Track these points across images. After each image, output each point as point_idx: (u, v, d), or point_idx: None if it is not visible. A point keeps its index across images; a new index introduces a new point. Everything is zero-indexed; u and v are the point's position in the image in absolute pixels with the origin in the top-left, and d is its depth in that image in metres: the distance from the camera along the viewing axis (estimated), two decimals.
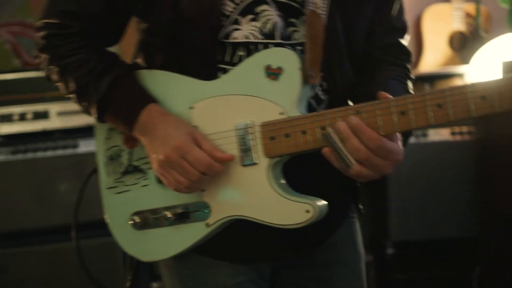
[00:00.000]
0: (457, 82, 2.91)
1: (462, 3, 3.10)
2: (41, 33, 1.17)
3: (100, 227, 1.42)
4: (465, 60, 3.08)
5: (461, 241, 2.69)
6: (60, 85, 1.18)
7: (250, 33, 1.12)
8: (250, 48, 1.12)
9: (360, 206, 1.35)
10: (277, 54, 1.07)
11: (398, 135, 1.04)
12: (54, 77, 1.17)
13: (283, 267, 1.29)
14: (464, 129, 2.74)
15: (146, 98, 1.13)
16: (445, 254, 2.70)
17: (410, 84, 1.27)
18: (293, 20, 1.13)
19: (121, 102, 1.13)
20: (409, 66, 1.29)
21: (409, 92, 1.22)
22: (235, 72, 1.11)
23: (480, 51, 2.89)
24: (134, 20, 1.24)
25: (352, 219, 1.35)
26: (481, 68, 2.81)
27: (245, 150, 1.08)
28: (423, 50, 3.18)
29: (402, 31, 1.29)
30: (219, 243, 1.16)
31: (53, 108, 2.49)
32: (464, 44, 3.14)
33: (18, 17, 2.89)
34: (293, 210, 1.06)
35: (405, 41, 1.30)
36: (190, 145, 1.06)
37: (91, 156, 1.40)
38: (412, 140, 2.71)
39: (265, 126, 1.07)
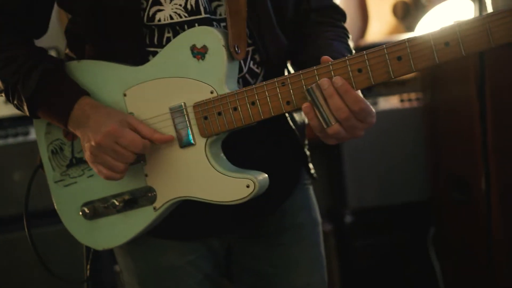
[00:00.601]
0: None
1: None
2: None
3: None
4: (409, 28, 3.15)
5: (415, 204, 2.78)
6: None
7: (174, 12, 1.10)
8: (177, 29, 1.11)
9: (312, 172, 1.37)
10: (200, 33, 1.07)
11: None
12: None
13: (236, 240, 1.31)
14: (413, 96, 2.81)
15: (77, 92, 1.13)
16: (401, 218, 2.78)
17: (351, 44, 1.28)
18: None
19: (52, 99, 1.12)
20: (344, 26, 1.30)
21: (351, 52, 1.23)
22: (163, 55, 1.10)
23: (423, 18, 2.95)
24: None
25: (305, 185, 1.37)
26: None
27: (181, 131, 1.10)
28: (368, 20, 3.22)
29: None
30: (167, 223, 1.18)
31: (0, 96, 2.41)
32: (407, 13, 3.20)
33: None
34: (234, 186, 1.08)
35: (337, 1, 1.32)
36: (123, 129, 1.06)
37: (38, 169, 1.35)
38: None
39: (197, 106, 1.08)
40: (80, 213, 1.20)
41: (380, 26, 3.20)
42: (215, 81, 1.07)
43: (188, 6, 1.09)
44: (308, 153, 1.36)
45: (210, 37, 1.06)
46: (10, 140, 2.37)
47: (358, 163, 2.80)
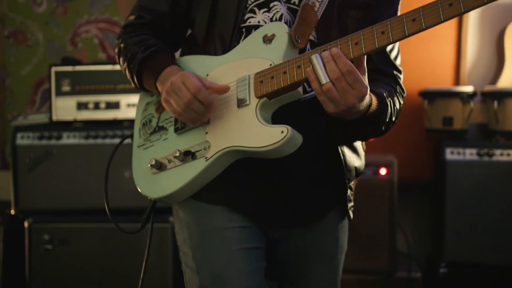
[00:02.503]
0: None
1: None
2: (123, 25, 1.51)
3: None
4: None
5: None
6: (121, 58, 1.47)
7: (262, 19, 1.39)
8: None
9: (350, 211, 1.46)
10: (272, 26, 1.35)
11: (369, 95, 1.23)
12: (120, 54, 1.47)
13: (276, 236, 1.43)
14: None
15: (174, 62, 1.43)
16: (498, 281, 2.57)
17: (397, 100, 1.37)
18: None
19: (156, 62, 1.42)
20: (398, 92, 1.41)
21: (392, 97, 1.37)
22: (241, 45, 1.38)
23: None
24: None
25: (339, 217, 1.46)
26: None
27: (241, 95, 1.32)
28: (504, 66, 3.03)
29: (398, 71, 1.43)
30: (217, 189, 1.36)
31: (124, 99, 2.72)
32: None
33: (106, 15, 3.16)
34: (271, 133, 1.27)
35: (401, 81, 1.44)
36: (190, 76, 1.31)
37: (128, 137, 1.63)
38: (475, 158, 2.65)
39: (257, 74, 1.31)
40: (149, 164, 1.41)
41: None
42: (276, 57, 1.31)
43: (274, 18, 1.38)
44: (350, 192, 1.45)
45: (279, 27, 1.33)
46: (126, 140, 2.65)
47: (461, 214, 2.65)
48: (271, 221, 1.40)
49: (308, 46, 1.36)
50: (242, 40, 1.39)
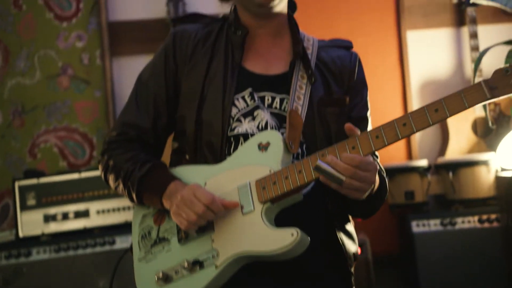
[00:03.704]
0: (482, 170, 2.95)
1: None
2: (105, 141, 1.54)
3: None
4: (491, 147, 3.13)
5: None
6: (112, 176, 1.50)
7: (249, 128, 1.45)
8: (248, 138, 1.45)
9: None
10: (266, 134, 1.42)
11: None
12: (109, 171, 1.50)
13: None
14: (492, 216, 2.77)
15: (173, 177, 1.47)
16: None
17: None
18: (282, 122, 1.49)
19: (156, 180, 1.46)
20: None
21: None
22: (237, 153, 1.44)
23: (507, 136, 2.91)
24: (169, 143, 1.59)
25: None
26: (508, 155, 2.84)
27: (245, 202, 1.37)
28: (448, 138, 3.25)
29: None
30: None
31: (93, 207, 2.69)
32: (488, 130, 3.19)
33: (64, 123, 3.16)
34: (281, 236, 1.31)
35: None
36: (200, 188, 1.37)
37: (127, 252, 1.60)
38: (439, 228, 2.79)
39: (258, 181, 1.37)
40: (156, 278, 1.41)
41: (459, 144, 3.22)
42: (274, 163, 1.37)
43: (260, 126, 1.45)
44: (352, 278, 1.51)
45: (273, 135, 1.40)
46: (98, 249, 2.61)
47: (433, 282, 2.75)
48: None
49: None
50: (233, 149, 1.44)
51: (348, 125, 1.31)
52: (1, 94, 3.13)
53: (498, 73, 1.22)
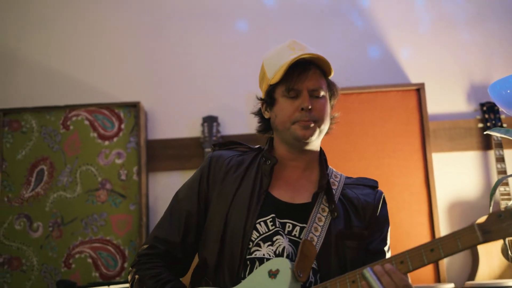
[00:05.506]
0: None
1: None
2: (137, 254, 1.64)
3: None
4: None
5: None
6: None
7: (267, 253, 1.52)
8: (264, 262, 1.52)
9: None
10: (276, 261, 1.49)
11: None
12: (135, 284, 1.58)
13: None
14: None
15: None
16: None
17: None
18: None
19: None
20: None
21: None
22: (249, 278, 1.51)
23: None
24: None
25: None
26: None
27: None
28: (478, 261, 3.20)
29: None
30: None
31: None
32: None
33: (100, 235, 3.32)
34: None
35: None
36: None
37: None
38: None
39: None
40: None
41: (490, 268, 3.16)
42: None
43: (277, 251, 1.52)
44: None
45: (282, 263, 1.47)
46: None
47: None
48: None
49: (311, 274, 1.49)
50: (248, 272, 1.51)
51: None
52: (43, 207, 3.34)
53: (492, 216, 1.26)
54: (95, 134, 3.43)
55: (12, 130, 3.42)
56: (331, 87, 1.65)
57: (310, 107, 1.56)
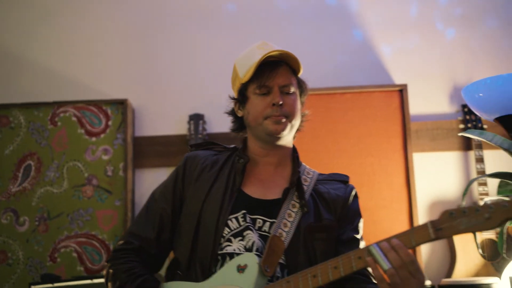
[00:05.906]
0: None
1: None
2: (113, 249, 1.74)
3: None
4: (498, 269, 3.12)
5: None
6: (110, 283, 1.61)
7: (237, 247, 1.56)
8: (234, 257, 1.56)
9: None
10: (244, 257, 1.53)
11: None
12: (109, 279, 1.62)
13: None
14: None
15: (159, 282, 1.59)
16: None
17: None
18: None
19: None
20: None
21: None
22: (219, 273, 1.55)
23: None
24: None
25: None
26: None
27: None
28: (455, 259, 3.26)
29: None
30: None
31: None
32: (496, 252, 3.19)
33: (85, 230, 3.37)
34: None
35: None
36: None
37: None
38: None
39: None
40: None
41: (467, 266, 3.22)
42: (246, 285, 1.48)
43: (247, 246, 1.56)
44: None
45: (251, 258, 1.51)
46: None
47: None
48: None
49: (278, 269, 1.54)
50: (219, 267, 1.56)
51: None
52: (30, 202, 3.38)
53: (444, 214, 1.31)
54: (83, 131, 3.48)
55: (0, 125, 3.46)
56: (301, 84, 1.70)
57: (281, 102, 1.61)
